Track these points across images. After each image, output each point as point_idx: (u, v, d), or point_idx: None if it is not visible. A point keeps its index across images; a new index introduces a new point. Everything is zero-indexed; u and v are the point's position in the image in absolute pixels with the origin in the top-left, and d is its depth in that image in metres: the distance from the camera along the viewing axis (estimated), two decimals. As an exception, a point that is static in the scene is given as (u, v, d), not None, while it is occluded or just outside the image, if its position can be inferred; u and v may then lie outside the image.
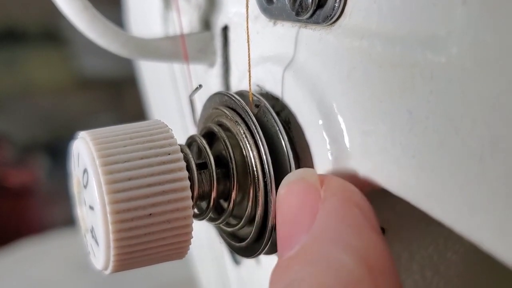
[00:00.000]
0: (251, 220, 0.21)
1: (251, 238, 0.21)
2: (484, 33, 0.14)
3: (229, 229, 0.23)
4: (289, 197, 0.18)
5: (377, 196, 0.19)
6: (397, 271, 0.16)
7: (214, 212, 0.23)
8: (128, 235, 0.19)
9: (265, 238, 0.21)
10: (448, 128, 0.15)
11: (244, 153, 0.21)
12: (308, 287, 0.15)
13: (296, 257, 0.17)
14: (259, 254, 0.22)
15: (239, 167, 0.21)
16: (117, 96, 1.32)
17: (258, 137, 0.20)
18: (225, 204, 0.23)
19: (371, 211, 0.17)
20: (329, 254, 0.16)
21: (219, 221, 0.22)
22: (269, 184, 0.20)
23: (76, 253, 0.64)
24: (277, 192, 0.19)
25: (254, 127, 0.21)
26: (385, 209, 0.21)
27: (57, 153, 1.20)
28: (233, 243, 0.23)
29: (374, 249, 0.16)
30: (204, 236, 0.34)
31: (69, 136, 0.21)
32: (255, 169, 0.20)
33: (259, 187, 0.20)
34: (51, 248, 0.72)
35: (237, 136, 0.21)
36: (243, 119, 0.21)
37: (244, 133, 0.21)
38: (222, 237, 0.24)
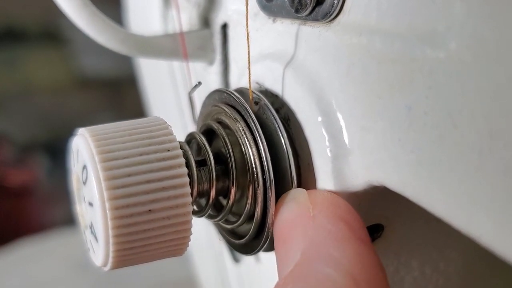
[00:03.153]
0: (250, 217, 0.21)
1: (250, 235, 0.21)
2: (483, 27, 0.14)
3: (228, 226, 0.23)
4: (284, 219, 0.20)
5: (375, 193, 0.19)
6: (385, 279, 0.17)
7: (213, 209, 0.23)
8: (127, 231, 0.19)
9: (264, 234, 0.21)
10: (447, 123, 0.15)
11: (243, 150, 0.21)
12: None
13: (290, 275, 0.18)
14: (259, 250, 0.22)
15: (238, 164, 0.21)
16: (117, 95, 1.32)
17: (257, 134, 0.20)
18: (224, 201, 0.23)
19: (357, 222, 0.18)
20: (317, 269, 0.17)
21: (218, 218, 0.22)
22: (268, 181, 0.20)
23: (76, 253, 0.64)
24: (274, 216, 0.20)
25: (253, 124, 0.21)
26: (384, 206, 0.21)
27: (56, 152, 1.19)
28: (232, 240, 0.23)
29: (359, 261, 0.17)
30: (203, 234, 0.34)
31: (69, 136, 0.21)
32: (254, 166, 0.20)
33: (258, 184, 0.20)
34: (50, 248, 0.72)
35: (236, 133, 0.21)
36: (242, 116, 0.21)
37: (243, 130, 0.21)
38: (221, 234, 0.24)
